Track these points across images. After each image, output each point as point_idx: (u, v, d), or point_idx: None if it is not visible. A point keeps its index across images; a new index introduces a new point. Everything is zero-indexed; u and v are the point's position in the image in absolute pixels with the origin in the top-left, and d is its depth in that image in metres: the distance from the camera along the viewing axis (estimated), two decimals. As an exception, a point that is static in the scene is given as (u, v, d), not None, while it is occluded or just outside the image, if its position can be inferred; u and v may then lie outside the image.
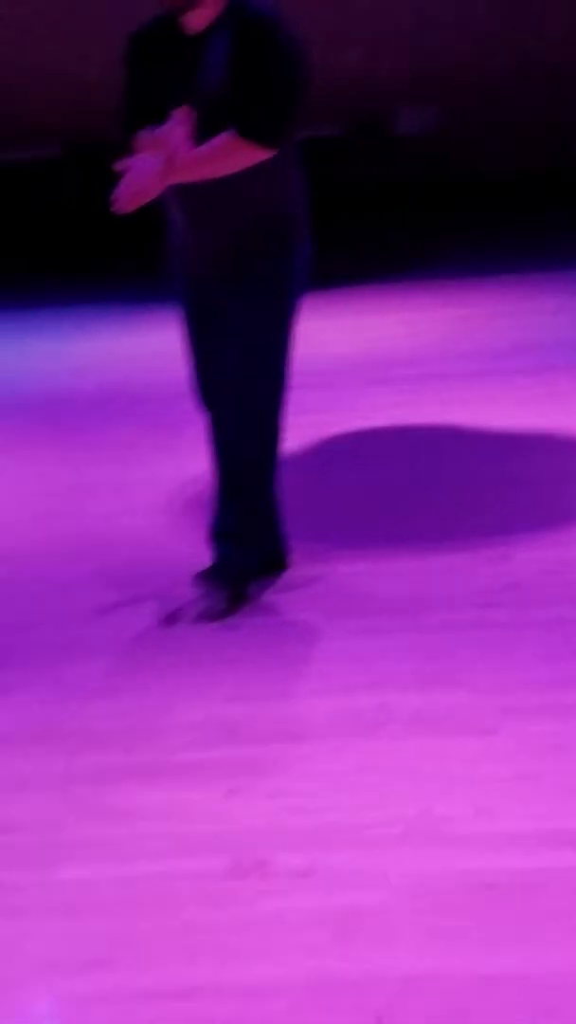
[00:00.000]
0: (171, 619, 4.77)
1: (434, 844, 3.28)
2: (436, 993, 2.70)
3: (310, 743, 3.88)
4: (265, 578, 4.93)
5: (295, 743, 3.88)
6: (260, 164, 4.33)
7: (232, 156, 4.31)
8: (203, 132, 4.19)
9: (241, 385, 4.58)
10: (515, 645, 4.37)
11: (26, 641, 4.79)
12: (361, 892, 3.11)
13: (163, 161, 4.12)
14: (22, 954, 3.03)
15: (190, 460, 5.25)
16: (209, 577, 4.72)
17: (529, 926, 2.92)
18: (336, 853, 3.28)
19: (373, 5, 11.86)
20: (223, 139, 4.26)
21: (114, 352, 8.59)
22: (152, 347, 7.95)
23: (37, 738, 4.07)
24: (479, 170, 12.11)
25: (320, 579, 5.01)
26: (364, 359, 8.25)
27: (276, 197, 4.56)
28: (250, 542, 4.80)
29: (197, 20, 4.39)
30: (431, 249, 11.42)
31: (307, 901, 3.10)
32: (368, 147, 11.55)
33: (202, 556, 4.87)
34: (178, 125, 4.11)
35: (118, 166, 4.18)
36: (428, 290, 10.35)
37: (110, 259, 11.11)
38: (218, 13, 4.38)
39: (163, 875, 3.27)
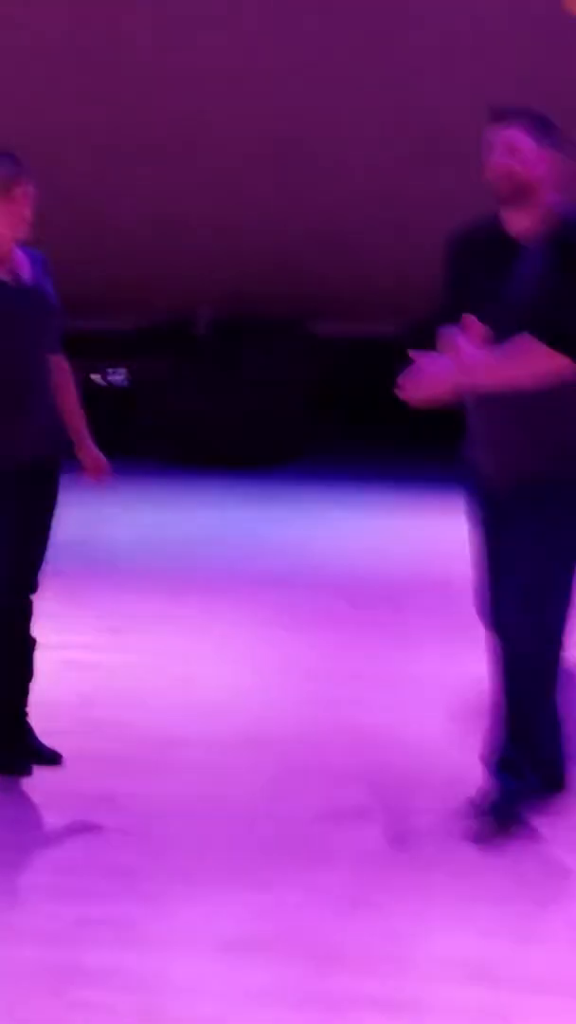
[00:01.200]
0: (426, 835, 4.67)
1: None
2: None
3: (561, 998, 3.65)
4: (540, 799, 4.71)
5: (544, 995, 3.67)
6: (571, 395, 4.35)
7: (530, 361, 4.30)
8: (506, 338, 4.25)
9: (527, 610, 4.51)
10: None
11: (281, 837, 4.69)
12: None
13: (457, 363, 4.25)
14: None
15: (477, 661, 5.06)
16: (482, 803, 4.62)
17: None
18: None
19: None
20: (521, 342, 4.25)
21: (416, 534, 8.47)
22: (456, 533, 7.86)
23: (284, 948, 3.95)
24: None
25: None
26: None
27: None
28: (528, 773, 4.66)
29: (520, 225, 4.42)
30: None
31: None
32: None
33: (475, 770, 4.73)
34: (471, 335, 4.23)
35: (413, 356, 4.29)
36: None
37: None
38: (543, 225, 4.41)
39: None
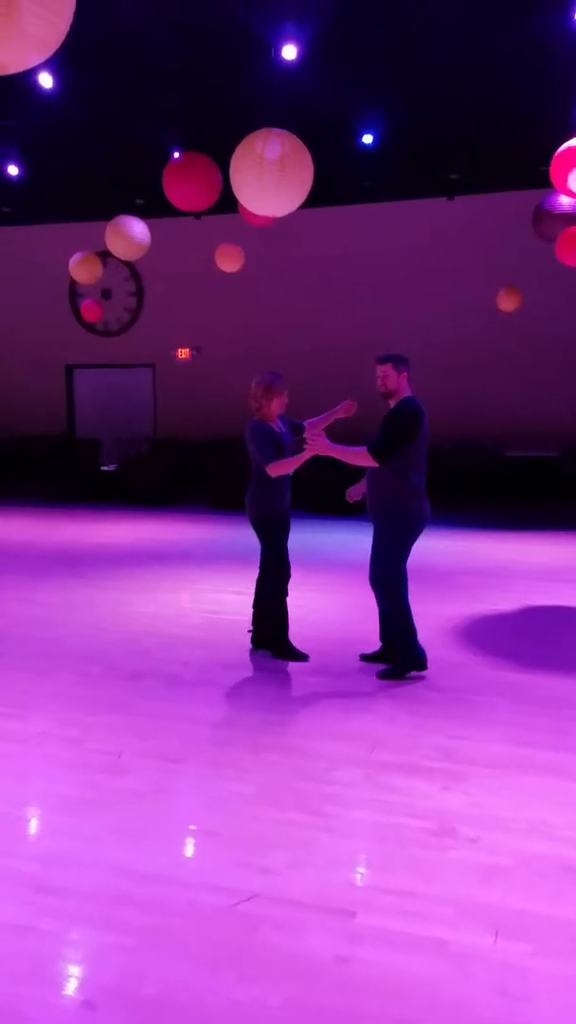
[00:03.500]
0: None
1: (542, 838, 3.12)
2: (521, 919, 2.49)
3: (487, 768, 3.68)
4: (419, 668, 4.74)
5: (479, 767, 3.70)
6: (387, 472, 4.53)
7: (359, 458, 4.54)
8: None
9: (373, 576, 4.73)
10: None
11: (335, 665, 4.60)
12: (500, 857, 2.96)
13: (332, 448, 4.53)
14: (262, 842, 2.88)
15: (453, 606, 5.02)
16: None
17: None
18: (491, 832, 3.17)
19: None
20: (361, 449, 4.52)
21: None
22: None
23: (356, 737, 3.94)
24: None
25: (464, 672, 4.70)
26: (548, 566, 7.82)
27: (392, 486, 4.57)
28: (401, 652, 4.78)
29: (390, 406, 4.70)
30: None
31: (471, 856, 2.96)
32: (572, 461, 11.08)
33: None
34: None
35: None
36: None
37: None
38: (396, 403, 4.63)
39: (402, 825, 3.24)
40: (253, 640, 5.21)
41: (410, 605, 4.74)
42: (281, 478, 4.90)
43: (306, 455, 4.59)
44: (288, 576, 5.05)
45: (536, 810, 3.24)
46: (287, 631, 5.09)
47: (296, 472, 4.85)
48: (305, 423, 5.12)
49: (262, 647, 5.17)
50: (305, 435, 4.59)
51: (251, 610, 5.29)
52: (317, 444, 4.50)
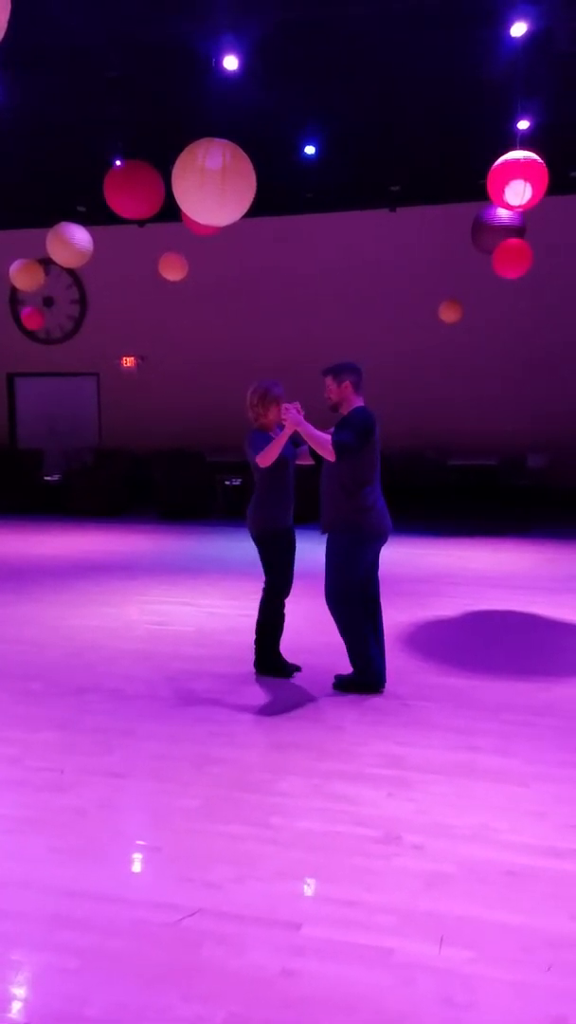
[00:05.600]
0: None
1: (486, 843, 3.16)
2: (465, 925, 2.54)
3: (432, 774, 3.72)
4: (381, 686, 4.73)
5: (424, 773, 3.74)
6: (337, 489, 4.53)
7: (321, 445, 4.46)
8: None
9: (326, 595, 4.68)
10: (542, 735, 4.06)
11: (308, 668, 4.61)
12: (444, 864, 2.99)
13: (304, 424, 4.49)
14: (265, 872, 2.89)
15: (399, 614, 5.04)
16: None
17: (521, 894, 2.72)
18: (436, 839, 3.20)
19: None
20: (326, 435, 4.47)
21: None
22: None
23: (301, 746, 3.95)
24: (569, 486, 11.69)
25: (419, 681, 4.76)
26: (490, 572, 7.95)
27: (343, 502, 4.56)
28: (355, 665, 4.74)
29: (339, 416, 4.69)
30: (537, 523, 10.98)
31: (415, 863, 2.99)
32: (511, 471, 11.29)
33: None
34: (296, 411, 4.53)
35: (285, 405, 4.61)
36: (525, 541, 9.90)
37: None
38: (346, 412, 4.61)
39: (347, 834, 3.25)
40: (256, 665, 5.02)
41: (366, 626, 4.62)
42: (285, 492, 4.81)
43: (287, 431, 4.53)
44: (287, 592, 4.94)
45: (480, 815, 3.27)
46: (277, 645, 4.98)
47: (301, 486, 4.79)
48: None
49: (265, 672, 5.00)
50: (282, 416, 4.50)
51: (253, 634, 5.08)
52: (291, 417, 4.46)
